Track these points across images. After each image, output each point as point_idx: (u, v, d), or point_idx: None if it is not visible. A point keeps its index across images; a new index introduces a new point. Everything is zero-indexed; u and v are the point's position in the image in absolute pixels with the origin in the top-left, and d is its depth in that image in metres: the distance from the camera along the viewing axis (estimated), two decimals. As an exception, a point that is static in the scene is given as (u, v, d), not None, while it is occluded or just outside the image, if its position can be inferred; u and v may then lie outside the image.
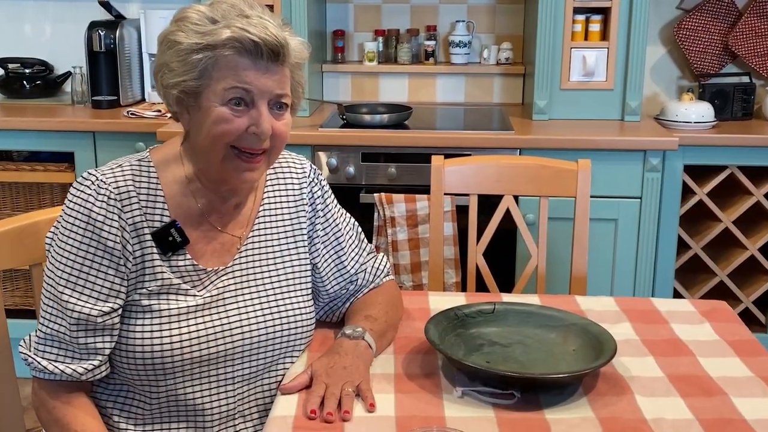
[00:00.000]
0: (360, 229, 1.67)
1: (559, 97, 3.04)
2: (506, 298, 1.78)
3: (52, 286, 1.37)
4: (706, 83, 3.20)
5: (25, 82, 3.31)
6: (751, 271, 3.04)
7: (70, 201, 1.38)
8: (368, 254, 1.66)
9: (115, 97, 3.15)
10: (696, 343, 1.58)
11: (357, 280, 1.62)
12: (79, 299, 1.36)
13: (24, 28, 3.49)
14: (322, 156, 2.82)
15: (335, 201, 1.63)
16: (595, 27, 3.02)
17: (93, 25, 3.12)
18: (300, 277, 1.52)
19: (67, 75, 3.38)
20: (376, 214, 2.76)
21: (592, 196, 2.11)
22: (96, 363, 1.38)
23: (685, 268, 3.05)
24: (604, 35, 3.02)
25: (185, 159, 1.44)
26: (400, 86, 3.44)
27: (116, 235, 1.36)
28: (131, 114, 2.99)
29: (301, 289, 1.52)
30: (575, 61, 3.01)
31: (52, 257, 1.38)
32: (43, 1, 3.46)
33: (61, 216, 1.40)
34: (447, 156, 2.16)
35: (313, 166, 1.60)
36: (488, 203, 2.18)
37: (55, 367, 1.37)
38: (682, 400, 1.36)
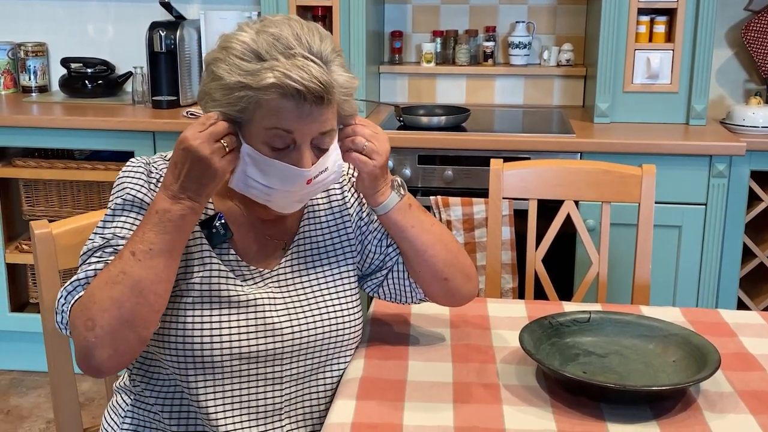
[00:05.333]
0: None
1: (622, 99, 2.98)
2: (568, 307, 1.74)
3: (85, 253, 1.36)
4: (775, 86, 3.11)
5: (86, 81, 3.36)
6: (819, 281, 2.95)
7: (122, 176, 1.42)
8: None
9: (175, 98, 3.17)
10: (766, 357, 1.52)
11: None
12: (118, 226, 1.36)
13: (86, 28, 3.54)
14: (379, 158, 2.80)
15: None
16: (660, 28, 2.95)
17: (154, 26, 3.15)
18: (348, 281, 1.51)
19: (128, 75, 3.42)
20: (432, 217, 2.73)
21: (655, 202, 2.06)
22: None
23: (749, 276, 2.96)
24: (669, 37, 2.95)
25: None
26: (457, 88, 3.40)
27: None
28: (190, 114, 3.01)
29: (348, 292, 1.51)
30: (639, 62, 2.94)
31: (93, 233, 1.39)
32: (105, 1, 3.51)
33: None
34: (505, 159, 2.12)
35: (348, 164, 1.54)
36: (545, 207, 2.14)
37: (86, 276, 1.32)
38: (753, 417, 1.31)
